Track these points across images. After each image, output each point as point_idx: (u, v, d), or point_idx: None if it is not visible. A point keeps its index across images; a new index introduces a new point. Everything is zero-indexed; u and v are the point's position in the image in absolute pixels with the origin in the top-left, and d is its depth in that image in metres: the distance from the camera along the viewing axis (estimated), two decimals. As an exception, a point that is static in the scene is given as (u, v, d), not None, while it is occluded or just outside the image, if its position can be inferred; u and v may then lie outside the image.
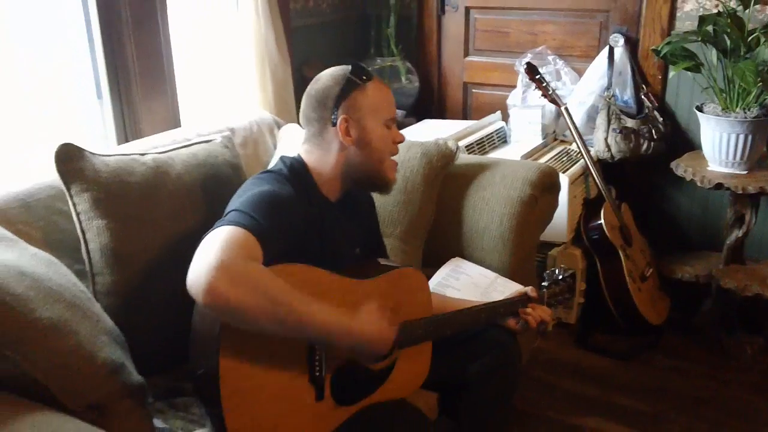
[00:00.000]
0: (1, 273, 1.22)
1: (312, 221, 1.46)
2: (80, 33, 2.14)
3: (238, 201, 1.36)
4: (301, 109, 1.56)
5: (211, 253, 1.18)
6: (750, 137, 2.36)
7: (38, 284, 1.27)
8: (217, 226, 1.27)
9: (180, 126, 2.36)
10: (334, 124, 1.49)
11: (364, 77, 1.51)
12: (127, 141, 2.24)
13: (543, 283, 1.81)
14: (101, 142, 2.23)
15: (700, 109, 2.49)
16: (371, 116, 1.51)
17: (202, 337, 1.32)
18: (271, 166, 1.57)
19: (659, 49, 2.45)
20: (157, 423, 1.47)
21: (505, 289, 1.99)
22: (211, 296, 1.15)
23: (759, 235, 2.66)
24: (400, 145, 1.58)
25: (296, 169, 1.52)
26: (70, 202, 1.61)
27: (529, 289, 1.76)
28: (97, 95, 2.23)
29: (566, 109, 2.57)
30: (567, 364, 2.58)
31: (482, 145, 2.70)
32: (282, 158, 1.56)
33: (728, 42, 2.34)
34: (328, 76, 1.53)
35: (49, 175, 1.73)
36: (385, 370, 1.49)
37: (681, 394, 2.39)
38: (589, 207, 2.63)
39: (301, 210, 1.43)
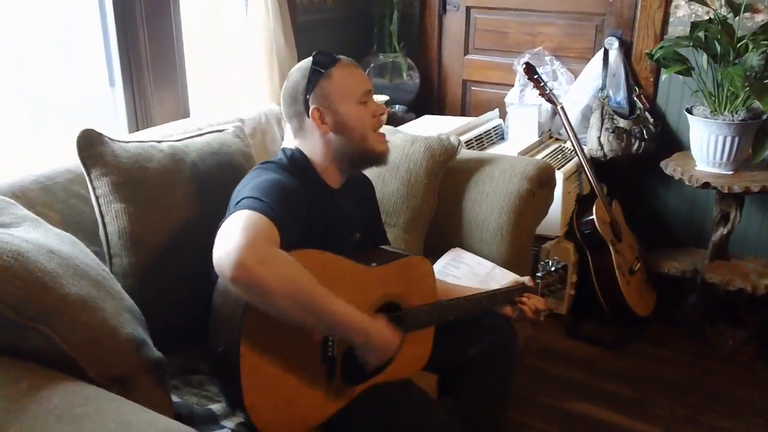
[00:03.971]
0: (32, 251, 1.26)
1: (315, 208, 1.52)
2: (94, 21, 2.19)
3: (247, 188, 1.41)
4: (281, 109, 1.63)
5: (236, 234, 1.24)
6: (737, 139, 2.44)
7: (66, 262, 1.31)
8: (234, 211, 1.32)
9: (189, 116, 2.42)
10: (309, 116, 1.54)
11: (327, 63, 1.53)
12: (138, 129, 2.28)
13: (537, 274, 1.89)
14: (113, 129, 2.26)
15: (689, 111, 2.57)
16: (342, 100, 1.54)
17: (225, 316, 1.37)
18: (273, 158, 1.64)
19: (652, 53, 2.53)
20: (173, 399, 1.51)
21: (502, 278, 2.07)
22: (239, 271, 1.20)
23: (743, 232, 2.74)
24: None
25: (297, 159, 1.58)
26: (89, 186, 1.67)
27: (526, 279, 1.84)
28: (109, 83, 2.27)
29: (562, 108, 2.66)
30: (558, 352, 2.65)
31: (481, 141, 2.77)
32: (283, 149, 1.62)
33: (718, 48, 2.42)
34: (295, 70, 1.58)
35: (67, 160, 1.77)
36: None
37: (665, 382, 2.46)
38: (582, 203, 2.72)
39: (304, 198, 1.48)
